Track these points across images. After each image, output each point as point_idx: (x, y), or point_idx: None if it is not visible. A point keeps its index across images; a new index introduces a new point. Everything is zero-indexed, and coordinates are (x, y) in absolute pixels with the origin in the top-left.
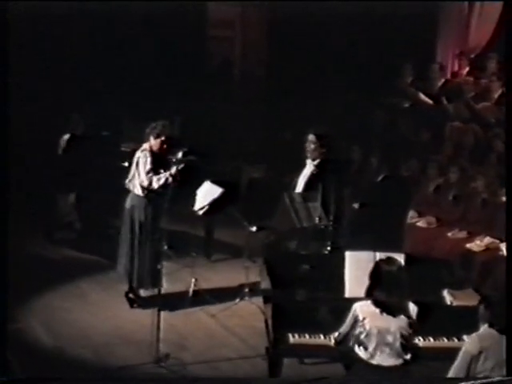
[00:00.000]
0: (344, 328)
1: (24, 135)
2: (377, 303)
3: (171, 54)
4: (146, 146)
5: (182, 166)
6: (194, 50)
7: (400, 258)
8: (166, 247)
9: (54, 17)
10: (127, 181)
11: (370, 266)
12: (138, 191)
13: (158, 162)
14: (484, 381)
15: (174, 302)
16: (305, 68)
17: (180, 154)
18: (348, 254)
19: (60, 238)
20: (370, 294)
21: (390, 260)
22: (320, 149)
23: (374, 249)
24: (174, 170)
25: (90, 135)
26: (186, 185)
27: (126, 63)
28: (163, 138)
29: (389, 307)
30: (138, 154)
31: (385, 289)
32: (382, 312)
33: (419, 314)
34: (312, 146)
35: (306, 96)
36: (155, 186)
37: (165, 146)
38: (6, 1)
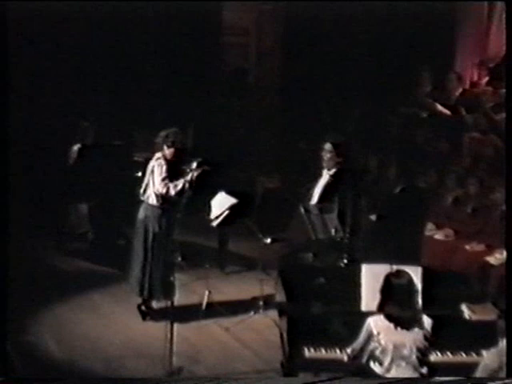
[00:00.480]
0: (357, 343)
1: (34, 145)
2: (390, 317)
3: (184, 61)
4: (159, 154)
5: (197, 172)
6: (207, 58)
7: (417, 271)
8: (179, 258)
9: (61, 18)
10: (141, 191)
11: None
12: (153, 201)
13: (173, 172)
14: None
15: (187, 314)
16: (320, 76)
17: (194, 164)
18: (364, 267)
19: (72, 249)
20: (382, 309)
21: (399, 273)
22: (336, 158)
23: (391, 262)
24: (189, 176)
25: (101, 145)
26: (199, 195)
27: (138, 70)
28: (178, 147)
29: (402, 321)
30: (153, 163)
31: (397, 303)
32: (395, 326)
33: (435, 327)
34: (328, 155)
35: (321, 105)
36: (172, 192)
37: (178, 155)
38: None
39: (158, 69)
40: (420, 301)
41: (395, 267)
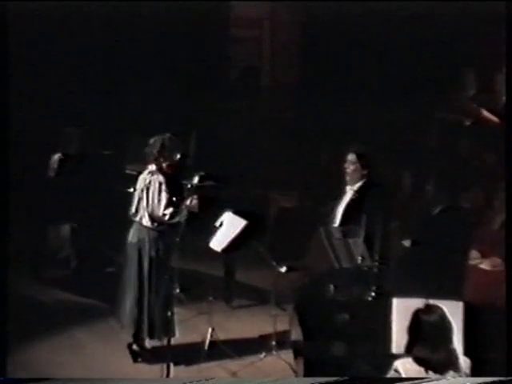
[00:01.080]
0: None
1: (5, 154)
2: (419, 361)
3: (186, 58)
4: (153, 167)
5: (196, 196)
6: (213, 54)
7: (458, 307)
8: (177, 290)
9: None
10: (133, 210)
11: None
12: (147, 222)
13: (170, 187)
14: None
15: (187, 355)
16: (344, 76)
17: (196, 179)
18: (396, 301)
19: (51, 276)
20: (410, 351)
21: (430, 308)
22: (361, 170)
23: (428, 295)
24: (191, 200)
25: (87, 154)
26: (202, 215)
27: (134, 68)
28: (175, 158)
29: (435, 364)
30: (146, 177)
31: (427, 343)
32: (426, 371)
33: (476, 371)
34: (351, 167)
35: (345, 109)
36: (167, 218)
37: (176, 168)
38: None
39: (156, 67)
40: (456, 340)
41: (432, 302)
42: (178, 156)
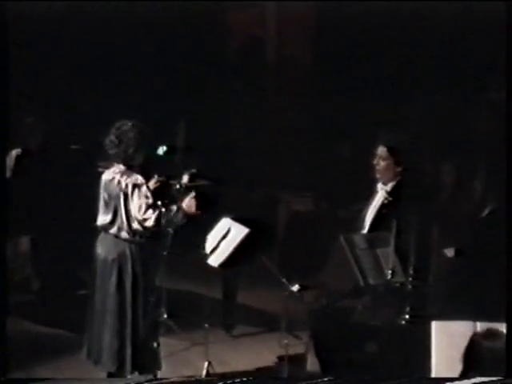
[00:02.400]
0: None
1: None
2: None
3: (174, 30)
4: (120, 166)
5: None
6: (208, 26)
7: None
8: (164, 316)
9: None
10: (107, 219)
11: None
12: (127, 234)
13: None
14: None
15: None
16: (371, 53)
17: (185, 178)
18: (436, 325)
19: (10, 303)
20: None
21: (491, 332)
22: (394, 167)
23: (475, 317)
24: (188, 200)
25: (50, 150)
26: (194, 223)
27: (109, 44)
28: (163, 150)
29: None
30: (122, 179)
31: (486, 372)
32: None
33: None
34: (382, 164)
35: (372, 94)
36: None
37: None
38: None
39: (138, 43)
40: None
41: (480, 325)
42: (164, 148)
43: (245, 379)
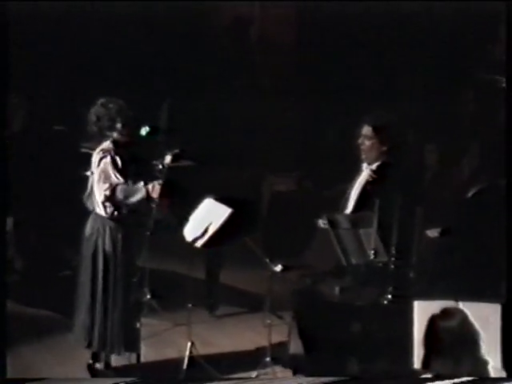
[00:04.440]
0: None
1: None
2: (441, 378)
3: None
4: (107, 144)
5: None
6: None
7: (496, 310)
8: (147, 296)
9: None
10: (85, 196)
11: None
12: (101, 210)
13: (134, 168)
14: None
15: (161, 375)
16: (359, 30)
17: (168, 158)
18: (418, 305)
19: None
20: (427, 366)
21: (447, 313)
22: (380, 147)
23: (458, 297)
24: (153, 185)
25: (34, 131)
26: (177, 203)
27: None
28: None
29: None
30: (97, 156)
31: (448, 355)
32: None
33: None
34: (367, 143)
35: (359, 72)
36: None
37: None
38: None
39: (123, 21)
40: (482, 348)
41: (462, 304)
42: (146, 128)
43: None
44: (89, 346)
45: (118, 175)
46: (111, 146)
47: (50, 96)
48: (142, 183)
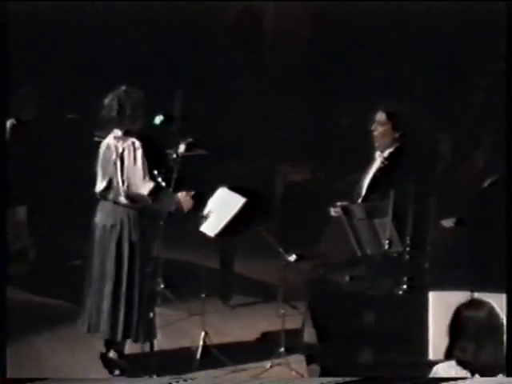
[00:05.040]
0: None
1: None
2: (464, 364)
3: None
4: (117, 132)
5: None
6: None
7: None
8: (161, 286)
9: None
10: (102, 185)
11: None
12: (124, 200)
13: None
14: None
15: (174, 365)
16: (370, 21)
17: (182, 147)
18: (433, 296)
19: (3, 272)
20: (450, 355)
21: (475, 303)
22: (392, 133)
23: (473, 288)
24: (184, 196)
25: (46, 119)
26: (190, 192)
27: (102, 12)
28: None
29: (481, 367)
30: (118, 144)
31: (472, 344)
32: (472, 374)
33: None
34: (380, 130)
35: (370, 58)
36: (145, 192)
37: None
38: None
39: (134, 13)
40: (504, 340)
41: (477, 295)
42: (160, 117)
43: None
44: (108, 337)
45: (160, 179)
46: (137, 141)
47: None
48: (171, 190)
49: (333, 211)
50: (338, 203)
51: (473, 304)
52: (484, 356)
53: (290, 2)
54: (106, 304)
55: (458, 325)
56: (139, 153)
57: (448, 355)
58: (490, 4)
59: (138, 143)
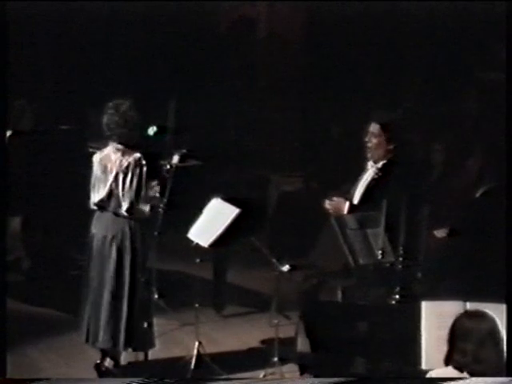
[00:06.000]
0: None
1: None
2: (461, 370)
3: (163, 8)
4: (117, 145)
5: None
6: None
7: (501, 311)
8: (155, 296)
9: None
10: (103, 197)
11: None
12: (125, 212)
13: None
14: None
15: (168, 374)
16: (365, 28)
17: (176, 158)
18: (426, 305)
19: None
20: (448, 363)
21: (475, 314)
22: (387, 145)
23: (466, 298)
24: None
25: (41, 130)
26: (184, 203)
27: (96, 23)
28: (153, 130)
29: (479, 373)
30: (121, 157)
31: (470, 356)
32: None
33: None
34: (374, 141)
35: (363, 69)
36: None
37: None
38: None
39: (127, 24)
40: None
41: (469, 305)
42: (154, 128)
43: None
44: (114, 345)
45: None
46: (141, 156)
47: (56, 95)
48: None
49: (327, 203)
50: (334, 198)
51: (472, 314)
52: (483, 364)
53: (283, 8)
54: (106, 314)
55: (457, 334)
56: (144, 170)
57: (447, 362)
58: (481, 15)
59: (143, 160)
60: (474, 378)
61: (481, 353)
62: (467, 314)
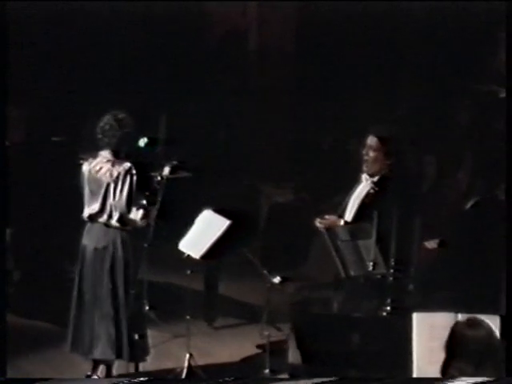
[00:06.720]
0: None
1: None
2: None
3: (154, 22)
4: (108, 155)
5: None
6: (187, 16)
7: (495, 321)
8: (146, 307)
9: None
10: (94, 209)
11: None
12: (116, 223)
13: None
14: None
15: None
16: (356, 40)
17: (167, 169)
18: (417, 317)
19: None
20: (446, 373)
21: (473, 322)
22: (384, 159)
23: (457, 309)
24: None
25: (32, 142)
26: (175, 215)
27: (88, 33)
28: (144, 141)
29: None
30: (111, 168)
31: (469, 363)
32: None
33: None
34: (372, 155)
35: (354, 81)
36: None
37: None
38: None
39: (119, 36)
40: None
41: (461, 316)
42: (145, 140)
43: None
44: (117, 356)
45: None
46: (132, 166)
47: (48, 107)
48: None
49: (318, 222)
50: (327, 216)
51: (470, 324)
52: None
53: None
54: (99, 325)
55: (457, 341)
56: (135, 179)
57: (444, 373)
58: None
59: (134, 170)
60: (464, 378)
61: (481, 359)
62: (465, 322)
